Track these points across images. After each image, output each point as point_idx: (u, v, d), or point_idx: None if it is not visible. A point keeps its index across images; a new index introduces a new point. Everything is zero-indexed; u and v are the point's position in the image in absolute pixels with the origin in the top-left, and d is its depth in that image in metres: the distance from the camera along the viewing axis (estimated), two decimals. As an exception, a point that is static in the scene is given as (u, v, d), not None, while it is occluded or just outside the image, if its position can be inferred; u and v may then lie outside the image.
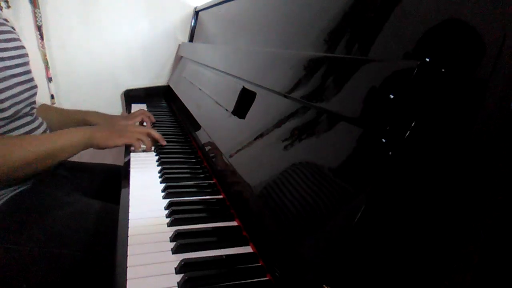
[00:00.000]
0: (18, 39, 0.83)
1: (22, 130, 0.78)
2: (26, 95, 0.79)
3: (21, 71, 0.79)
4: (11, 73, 0.76)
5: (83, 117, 1.05)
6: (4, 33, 0.78)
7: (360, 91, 0.37)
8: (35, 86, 0.84)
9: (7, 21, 0.84)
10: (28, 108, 0.81)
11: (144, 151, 0.87)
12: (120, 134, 0.84)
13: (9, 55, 0.77)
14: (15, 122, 0.77)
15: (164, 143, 0.90)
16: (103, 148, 0.82)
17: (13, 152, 0.68)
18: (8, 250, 0.65)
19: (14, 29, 0.85)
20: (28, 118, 0.81)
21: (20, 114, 0.78)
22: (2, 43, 0.76)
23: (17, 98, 0.75)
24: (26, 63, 0.83)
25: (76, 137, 0.78)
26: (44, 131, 0.86)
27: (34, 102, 0.85)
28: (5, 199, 0.75)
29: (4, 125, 0.74)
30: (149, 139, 0.87)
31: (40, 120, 0.87)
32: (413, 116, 0.31)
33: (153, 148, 0.90)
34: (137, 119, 1.10)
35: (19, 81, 0.77)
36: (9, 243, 0.66)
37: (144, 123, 1.11)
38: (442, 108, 0.31)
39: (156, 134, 0.89)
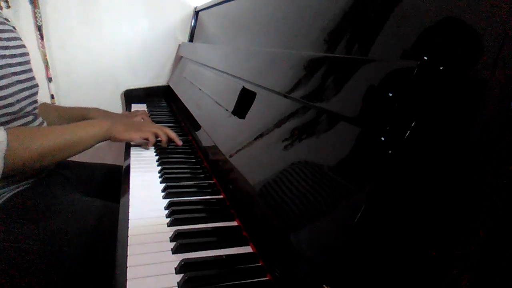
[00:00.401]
0: (19, 38, 0.83)
1: None
2: (27, 93, 0.80)
3: (22, 70, 0.80)
4: (13, 71, 0.76)
5: (83, 114, 1.06)
6: (5, 32, 0.78)
7: (360, 91, 0.37)
8: (36, 85, 0.85)
9: (8, 20, 0.84)
10: (31, 107, 0.82)
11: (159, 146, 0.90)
12: (138, 128, 0.86)
13: (10, 53, 0.77)
14: (18, 121, 0.77)
15: (180, 143, 0.91)
16: (120, 141, 0.84)
17: (35, 142, 0.68)
18: (8, 248, 0.65)
19: (15, 29, 0.86)
20: (30, 118, 0.82)
21: (23, 112, 0.78)
22: (4, 41, 0.76)
23: (19, 96, 0.76)
24: (27, 62, 0.83)
25: (96, 129, 0.79)
26: None
27: (36, 101, 0.85)
28: (5, 197, 0.75)
29: (9, 121, 0.74)
30: (167, 136, 0.89)
31: (40, 119, 0.87)
32: (413, 116, 0.31)
33: (153, 148, 0.90)
34: (137, 118, 1.12)
35: (20, 79, 0.78)
36: (9, 241, 0.66)
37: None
38: (442, 108, 0.31)
39: (172, 133, 0.90)
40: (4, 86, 0.72)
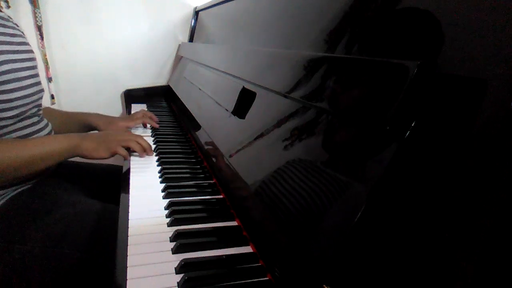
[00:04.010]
0: (28, 43, 0.84)
1: (28, 130, 0.80)
2: (35, 97, 0.81)
3: (32, 74, 0.81)
4: (24, 75, 0.77)
5: (85, 118, 1.05)
6: (16, 36, 0.79)
7: (360, 91, 0.37)
8: (42, 90, 0.86)
9: (18, 25, 0.84)
10: (35, 110, 0.82)
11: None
12: (107, 145, 0.82)
13: (21, 57, 0.78)
14: (23, 122, 0.78)
15: (152, 154, 0.86)
16: (89, 158, 0.81)
17: None
18: (9, 249, 0.65)
19: (18, 26, 0.86)
20: (35, 119, 0.83)
21: (27, 114, 0.79)
22: (15, 46, 0.77)
23: (26, 100, 0.77)
24: (35, 67, 0.85)
25: (62, 144, 0.77)
26: (49, 133, 0.87)
27: (40, 104, 0.86)
28: (6, 198, 0.75)
29: (11, 124, 0.75)
30: (139, 145, 0.84)
31: (45, 121, 0.88)
32: (413, 116, 0.31)
33: (153, 148, 0.90)
34: (137, 122, 1.08)
35: (30, 83, 0.79)
36: (10, 242, 0.66)
37: (148, 125, 1.10)
38: (442, 108, 0.31)
39: (144, 142, 0.85)
40: (10, 91, 0.72)
